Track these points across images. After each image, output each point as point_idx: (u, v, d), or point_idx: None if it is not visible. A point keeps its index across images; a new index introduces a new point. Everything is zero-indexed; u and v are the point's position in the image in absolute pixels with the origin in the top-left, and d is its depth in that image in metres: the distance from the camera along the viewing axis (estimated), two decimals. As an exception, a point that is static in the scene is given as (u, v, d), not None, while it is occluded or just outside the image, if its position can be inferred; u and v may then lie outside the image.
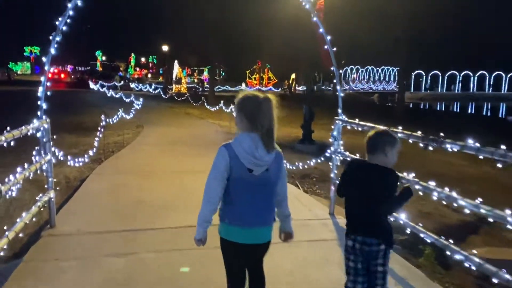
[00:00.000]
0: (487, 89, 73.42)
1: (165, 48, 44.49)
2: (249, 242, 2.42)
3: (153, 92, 38.81)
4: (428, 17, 23.46)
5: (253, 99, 2.41)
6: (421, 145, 3.55)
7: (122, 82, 44.04)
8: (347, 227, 2.69)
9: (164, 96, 30.74)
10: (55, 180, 5.82)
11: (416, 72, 69.11)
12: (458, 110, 48.03)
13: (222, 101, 15.26)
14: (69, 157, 6.35)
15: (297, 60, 47.33)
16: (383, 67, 72.12)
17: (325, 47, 4.63)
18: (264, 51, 57.63)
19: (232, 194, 2.43)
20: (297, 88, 50.02)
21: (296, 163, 7.44)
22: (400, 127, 3.84)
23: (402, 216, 4.23)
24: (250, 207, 2.40)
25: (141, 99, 15.23)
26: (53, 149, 4.71)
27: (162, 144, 10.77)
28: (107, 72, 56.65)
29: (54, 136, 4.98)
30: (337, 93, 4.90)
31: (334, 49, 4.70)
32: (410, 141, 3.67)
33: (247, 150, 2.36)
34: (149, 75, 73.75)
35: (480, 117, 35.26)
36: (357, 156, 3.70)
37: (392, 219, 4.15)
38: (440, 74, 71.08)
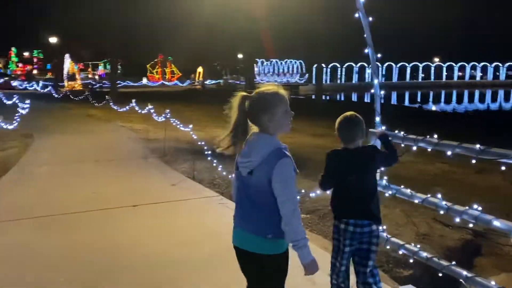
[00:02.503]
0: (380, 79, 77.98)
1: (53, 40, 39.13)
2: (233, 243, 2.24)
3: (42, 90, 33.81)
4: (329, 12, 22.95)
5: None
6: None
7: (1, 80, 37.89)
8: (337, 211, 2.77)
9: (56, 96, 26.42)
10: None
11: (317, 64, 70.88)
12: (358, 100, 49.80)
13: (134, 100, 12.69)
14: None
15: (204, 53, 45.29)
16: (286, 60, 72.73)
17: (365, 26, 2.77)
18: (166, 43, 54.59)
19: None
20: (205, 82, 47.83)
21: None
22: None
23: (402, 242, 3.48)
24: (237, 207, 2.24)
25: (27, 101, 12.00)
26: None
27: (63, 162, 8.04)
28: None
29: None
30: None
31: (366, 20, 2.86)
32: None
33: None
34: (35, 71, 65.85)
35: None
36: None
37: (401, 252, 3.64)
38: (339, 66, 73.60)
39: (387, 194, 3.19)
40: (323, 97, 26.09)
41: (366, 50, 2.90)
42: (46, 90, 32.35)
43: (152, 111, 10.19)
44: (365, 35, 2.88)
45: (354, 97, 54.40)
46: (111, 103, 16.64)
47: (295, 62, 73.62)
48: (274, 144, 2.09)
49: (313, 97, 43.06)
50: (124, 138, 10.98)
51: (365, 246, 2.74)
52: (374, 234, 2.73)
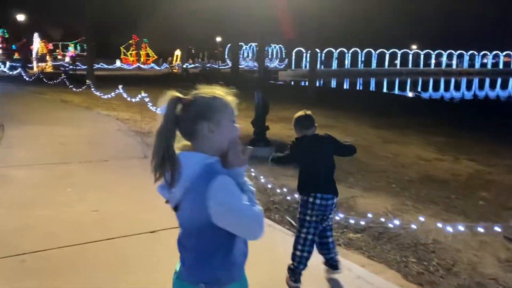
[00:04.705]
0: (359, 65, 77.59)
1: (21, 18, 36.27)
2: None
3: (10, 72, 31.29)
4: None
5: None
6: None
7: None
8: (305, 188, 3.27)
9: (27, 78, 24.13)
10: None
11: (297, 49, 69.78)
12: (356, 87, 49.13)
13: (120, 86, 11.15)
14: None
15: (181, 36, 43.31)
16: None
17: None
18: (141, 24, 52.12)
19: None
20: (188, 66, 45.81)
21: (265, 180, 5.19)
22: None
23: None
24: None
25: (-4, 85, 10.28)
26: None
27: (45, 163, 6.47)
28: None
29: None
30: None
31: None
32: None
33: None
34: (0, 51, 62.04)
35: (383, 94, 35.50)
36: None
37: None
38: (319, 51, 72.47)
39: None
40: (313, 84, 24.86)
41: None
42: (15, 72, 29.92)
43: (146, 99, 8.76)
44: None
45: (333, 83, 53.67)
46: (92, 88, 14.93)
47: (274, 46, 72.04)
48: (199, 160, 1.53)
49: (290, 83, 41.92)
50: (113, 130, 9.46)
51: (328, 217, 3.31)
52: (334, 206, 3.30)
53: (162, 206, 4.89)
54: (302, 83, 46.11)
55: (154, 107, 8.61)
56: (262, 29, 8.25)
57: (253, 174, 5.86)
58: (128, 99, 10.36)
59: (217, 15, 33.63)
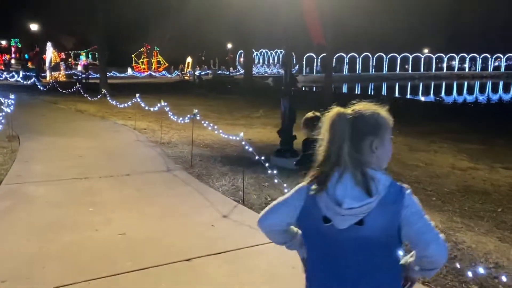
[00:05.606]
0: (371, 70, 76.79)
1: (34, 27, 36.42)
2: None
3: (24, 82, 31.32)
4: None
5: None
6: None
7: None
8: None
9: (42, 88, 24.00)
10: None
11: (308, 54, 69.40)
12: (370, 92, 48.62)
13: (137, 94, 10.81)
14: None
15: (192, 43, 43.15)
16: (276, 50, 70.54)
17: None
18: (151, 32, 52.20)
19: (307, 258, 1.70)
20: (195, 73, 45.59)
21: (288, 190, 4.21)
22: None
23: None
24: (329, 280, 1.56)
25: (12, 95, 9.97)
26: None
27: (63, 178, 6.10)
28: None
29: None
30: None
31: None
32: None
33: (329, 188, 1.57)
34: (13, 61, 62.54)
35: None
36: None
37: None
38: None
39: None
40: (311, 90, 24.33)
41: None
42: (29, 81, 29.91)
43: (166, 109, 8.38)
44: None
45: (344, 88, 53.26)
46: (108, 97, 14.65)
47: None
48: (384, 174, 1.57)
49: (302, 88, 41.45)
50: (132, 141, 9.09)
51: None
52: None
53: (194, 229, 4.45)
54: (314, 89, 45.72)
55: (175, 116, 8.23)
56: (289, 35, 7.83)
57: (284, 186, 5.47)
58: (146, 108, 10.01)
59: (231, 20, 33.37)
